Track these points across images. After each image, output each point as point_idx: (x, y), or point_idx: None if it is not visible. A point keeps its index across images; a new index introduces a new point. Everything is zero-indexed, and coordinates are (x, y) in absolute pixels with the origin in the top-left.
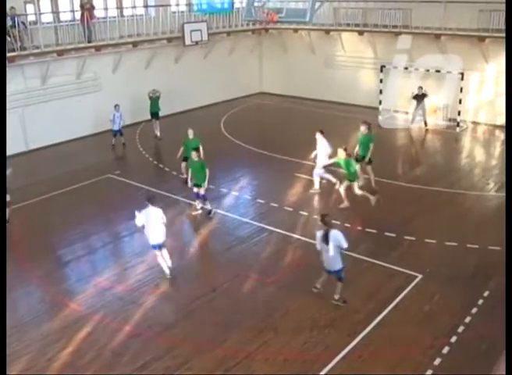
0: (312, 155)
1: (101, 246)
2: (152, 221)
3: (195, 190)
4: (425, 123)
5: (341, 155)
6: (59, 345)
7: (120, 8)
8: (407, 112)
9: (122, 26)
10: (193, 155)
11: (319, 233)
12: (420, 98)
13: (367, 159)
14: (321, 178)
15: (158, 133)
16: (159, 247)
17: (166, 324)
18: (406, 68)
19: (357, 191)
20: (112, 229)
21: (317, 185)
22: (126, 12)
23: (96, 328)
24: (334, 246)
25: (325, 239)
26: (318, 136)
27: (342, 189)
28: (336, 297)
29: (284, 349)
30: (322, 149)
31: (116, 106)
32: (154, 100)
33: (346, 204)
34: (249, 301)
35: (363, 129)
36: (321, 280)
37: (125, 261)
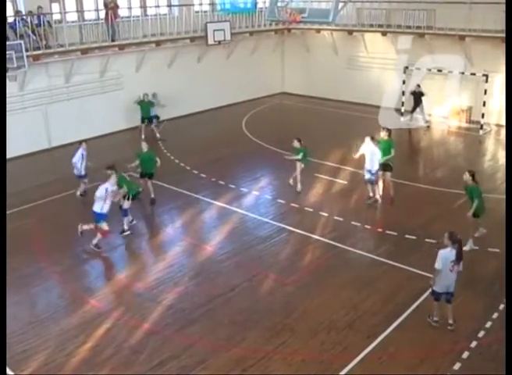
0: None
1: (121, 244)
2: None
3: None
4: (425, 121)
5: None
6: (78, 341)
7: (144, 7)
8: (429, 115)
9: (146, 26)
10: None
11: (447, 253)
12: (417, 96)
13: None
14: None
15: (158, 135)
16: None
17: (184, 323)
18: (429, 69)
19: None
20: (133, 227)
21: (371, 193)
22: (150, 12)
23: (115, 325)
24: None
25: (458, 258)
26: (368, 140)
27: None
28: (451, 321)
29: (302, 350)
30: (369, 154)
31: (154, 94)
32: (146, 104)
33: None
34: (267, 301)
35: (383, 135)
36: (438, 310)
37: (144, 259)
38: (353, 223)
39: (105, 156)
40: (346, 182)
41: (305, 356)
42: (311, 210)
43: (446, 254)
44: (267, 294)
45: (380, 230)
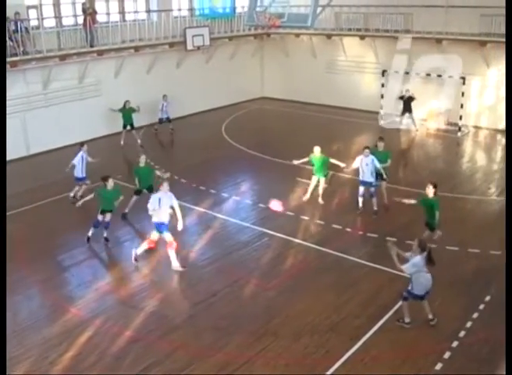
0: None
1: (102, 251)
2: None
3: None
4: (415, 126)
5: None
6: (61, 349)
7: (122, 13)
8: (408, 117)
9: (124, 31)
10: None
11: (417, 259)
12: (407, 100)
13: (384, 176)
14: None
15: (139, 141)
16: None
17: (167, 329)
18: (407, 72)
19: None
20: (112, 233)
21: (375, 206)
22: (128, 17)
23: (97, 333)
24: None
25: (430, 261)
26: (367, 152)
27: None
28: (431, 316)
29: (285, 354)
30: (370, 166)
31: (164, 96)
32: (127, 111)
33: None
34: (249, 306)
35: (381, 146)
36: (408, 312)
37: (126, 266)
38: (334, 226)
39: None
40: (326, 185)
41: (288, 360)
42: (292, 214)
43: (417, 261)
44: (249, 299)
45: (361, 232)
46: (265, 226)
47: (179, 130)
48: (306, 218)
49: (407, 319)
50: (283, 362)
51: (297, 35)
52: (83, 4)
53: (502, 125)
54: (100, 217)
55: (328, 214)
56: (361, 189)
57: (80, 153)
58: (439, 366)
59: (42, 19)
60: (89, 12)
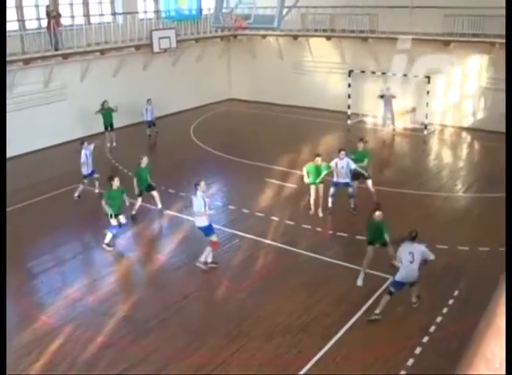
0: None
1: (71, 257)
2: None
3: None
4: (393, 123)
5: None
6: (31, 358)
7: (87, 15)
8: (375, 116)
9: (90, 34)
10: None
11: (404, 247)
12: (388, 99)
13: (366, 174)
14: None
15: (115, 144)
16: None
17: (139, 333)
18: (373, 72)
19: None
20: (82, 239)
21: (352, 204)
22: (94, 20)
23: (68, 340)
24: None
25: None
26: (343, 154)
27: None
28: (414, 299)
29: (258, 354)
30: (345, 168)
31: (149, 100)
32: (107, 111)
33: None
34: (221, 307)
35: (361, 146)
36: (385, 303)
37: (95, 271)
38: (304, 226)
39: (53, 168)
40: (295, 186)
41: (262, 360)
42: (262, 215)
43: (403, 248)
44: (221, 301)
45: (331, 232)
46: (235, 228)
47: (147, 132)
48: (276, 218)
49: (376, 310)
50: (257, 363)
51: (264, 36)
52: (47, 7)
53: (466, 123)
54: (114, 222)
55: (297, 214)
56: (332, 190)
57: (83, 151)
58: (410, 362)
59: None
60: (53, 15)
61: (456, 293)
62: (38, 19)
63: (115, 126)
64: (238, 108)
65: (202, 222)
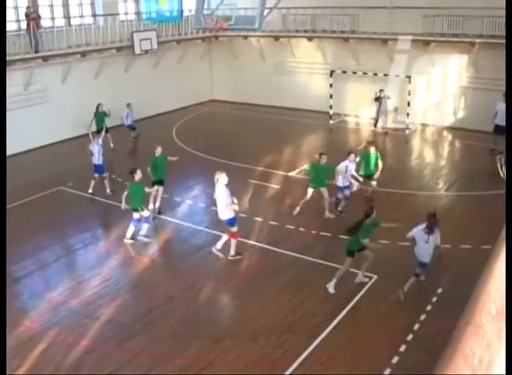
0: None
1: (54, 260)
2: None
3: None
4: (378, 125)
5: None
6: (14, 364)
7: (67, 17)
8: (357, 116)
9: (70, 36)
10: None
11: (419, 227)
12: (383, 101)
13: (376, 176)
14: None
15: (112, 144)
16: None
17: (123, 337)
18: (354, 72)
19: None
20: (64, 242)
21: (340, 207)
22: (74, 22)
23: (51, 344)
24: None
25: (431, 231)
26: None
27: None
28: (423, 278)
29: (243, 355)
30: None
31: (129, 104)
32: (100, 115)
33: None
34: (206, 309)
35: (373, 150)
36: (411, 284)
37: (79, 274)
38: (287, 226)
39: (35, 172)
40: (278, 186)
41: (247, 362)
42: (246, 216)
43: (418, 228)
44: (206, 303)
45: (314, 231)
46: (219, 229)
47: (128, 136)
48: (259, 219)
49: (405, 289)
50: (242, 364)
51: (245, 37)
52: (27, 8)
53: (447, 122)
54: (136, 215)
55: (281, 215)
56: (340, 195)
57: (93, 144)
58: (395, 360)
59: None
60: (32, 16)
61: (439, 291)
62: (18, 20)
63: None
64: (220, 109)
65: (226, 214)
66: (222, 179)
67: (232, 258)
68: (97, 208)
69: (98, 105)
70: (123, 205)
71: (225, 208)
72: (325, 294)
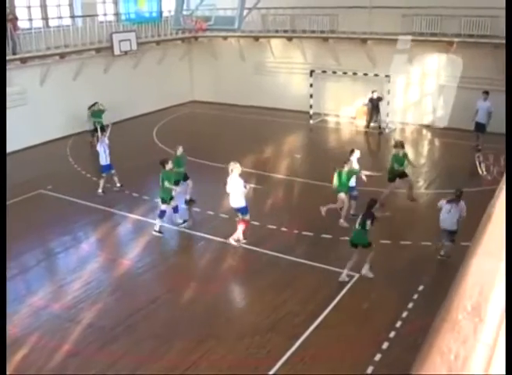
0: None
1: (35, 264)
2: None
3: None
4: (379, 126)
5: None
6: None
7: (45, 19)
8: (337, 115)
9: (49, 37)
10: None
11: (445, 200)
12: (375, 101)
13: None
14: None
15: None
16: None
17: (106, 340)
18: (334, 72)
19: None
20: (45, 246)
21: (353, 210)
22: (52, 23)
23: (33, 349)
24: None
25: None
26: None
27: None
28: (442, 253)
29: (228, 356)
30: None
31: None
32: (97, 113)
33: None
34: (189, 310)
35: (401, 152)
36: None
37: (60, 278)
38: (269, 226)
39: (14, 175)
40: (260, 186)
41: (231, 362)
42: (227, 216)
43: (444, 201)
44: (188, 304)
45: (296, 231)
46: (201, 230)
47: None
48: None
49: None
50: (226, 364)
51: (225, 38)
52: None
53: (426, 120)
54: (164, 206)
55: (262, 215)
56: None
57: (99, 145)
58: (377, 357)
59: None
60: (9, 18)
61: (420, 288)
62: None
63: (75, 131)
64: (201, 109)
65: (240, 203)
66: (236, 169)
67: (239, 243)
68: (78, 211)
69: (94, 103)
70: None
71: (241, 196)
72: (307, 293)
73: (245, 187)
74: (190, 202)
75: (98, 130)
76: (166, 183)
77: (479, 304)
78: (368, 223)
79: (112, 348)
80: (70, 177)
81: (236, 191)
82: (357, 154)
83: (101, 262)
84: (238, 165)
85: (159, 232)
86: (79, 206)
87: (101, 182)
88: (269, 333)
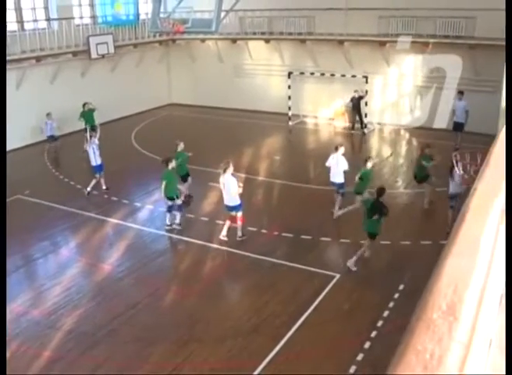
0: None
1: (14, 270)
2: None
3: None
4: (362, 126)
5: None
6: None
7: (21, 22)
8: (315, 117)
9: (24, 41)
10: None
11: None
12: (356, 100)
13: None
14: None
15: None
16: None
17: (87, 345)
18: (312, 73)
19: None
20: (24, 251)
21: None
22: (28, 26)
23: (13, 357)
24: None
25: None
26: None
27: None
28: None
29: (210, 359)
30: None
31: (48, 114)
32: (88, 113)
33: None
34: (171, 314)
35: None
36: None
37: (39, 284)
38: (249, 228)
39: None
40: (240, 189)
41: (214, 365)
42: (207, 219)
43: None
44: (170, 308)
45: (276, 233)
46: (181, 233)
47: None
48: (221, 222)
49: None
50: (209, 367)
51: (203, 40)
52: None
53: (404, 121)
54: (178, 201)
55: (243, 216)
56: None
57: (89, 146)
58: (360, 357)
59: None
60: None
61: (401, 287)
62: None
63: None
64: (179, 112)
65: (235, 201)
66: (229, 168)
67: (240, 238)
68: (56, 216)
69: (85, 103)
70: (163, 194)
71: (235, 194)
72: (288, 294)
73: (239, 185)
74: (188, 198)
75: (88, 130)
76: (177, 185)
77: (454, 303)
78: (384, 211)
79: (93, 353)
80: (48, 182)
81: (232, 190)
82: (341, 150)
83: (80, 267)
84: (231, 164)
85: (179, 224)
86: (57, 211)
87: (93, 182)
88: (252, 334)
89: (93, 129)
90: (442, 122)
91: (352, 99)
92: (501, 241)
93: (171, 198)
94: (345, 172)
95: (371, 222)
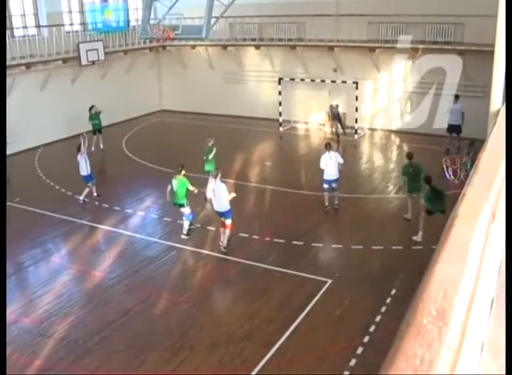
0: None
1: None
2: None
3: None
4: (343, 133)
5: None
6: None
7: (10, 28)
8: (306, 122)
9: (14, 48)
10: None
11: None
12: (334, 109)
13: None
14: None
15: (102, 146)
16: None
17: (78, 354)
18: (302, 79)
19: None
20: (15, 259)
21: (327, 202)
22: (17, 33)
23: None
24: None
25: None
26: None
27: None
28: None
29: (202, 366)
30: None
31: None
32: (96, 116)
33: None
34: (163, 321)
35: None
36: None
37: (31, 291)
38: (241, 234)
39: None
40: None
41: (206, 372)
42: (199, 225)
43: None
44: (162, 315)
45: (268, 238)
46: (172, 240)
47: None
48: (213, 228)
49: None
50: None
51: (193, 47)
52: None
53: (394, 126)
54: (187, 210)
55: (234, 223)
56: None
57: (80, 156)
58: (353, 362)
59: None
60: None
61: (393, 292)
62: None
63: (44, 141)
64: (170, 119)
65: (225, 207)
66: (219, 174)
67: (225, 249)
68: (47, 224)
69: (91, 107)
70: (168, 198)
71: (226, 200)
72: (280, 300)
73: (228, 191)
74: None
75: (96, 132)
76: (189, 187)
77: (443, 308)
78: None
79: (85, 361)
80: (39, 189)
81: (222, 195)
82: (333, 148)
83: (72, 274)
84: (218, 170)
85: (186, 234)
86: (48, 218)
87: (86, 190)
88: (244, 341)
89: (100, 131)
90: (430, 127)
91: (331, 107)
92: (490, 246)
93: (181, 205)
94: (341, 165)
95: (442, 202)
